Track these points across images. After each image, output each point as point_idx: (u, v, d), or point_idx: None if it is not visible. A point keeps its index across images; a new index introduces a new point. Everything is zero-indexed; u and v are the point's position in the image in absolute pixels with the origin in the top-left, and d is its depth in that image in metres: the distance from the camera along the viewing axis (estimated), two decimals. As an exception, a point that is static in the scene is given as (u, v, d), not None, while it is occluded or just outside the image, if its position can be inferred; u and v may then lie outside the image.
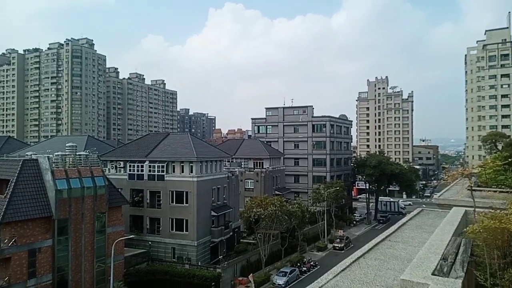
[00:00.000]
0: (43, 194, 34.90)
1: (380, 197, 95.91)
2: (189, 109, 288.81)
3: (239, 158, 76.80)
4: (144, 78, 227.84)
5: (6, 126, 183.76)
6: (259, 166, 74.92)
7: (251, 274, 44.46)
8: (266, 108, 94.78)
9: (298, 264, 52.98)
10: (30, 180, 35.01)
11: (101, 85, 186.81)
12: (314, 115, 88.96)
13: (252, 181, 71.66)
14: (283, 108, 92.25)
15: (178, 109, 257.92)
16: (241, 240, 60.26)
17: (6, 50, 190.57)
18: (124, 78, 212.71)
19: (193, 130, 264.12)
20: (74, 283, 35.68)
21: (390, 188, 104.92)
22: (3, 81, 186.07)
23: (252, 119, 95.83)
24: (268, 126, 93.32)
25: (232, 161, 74.36)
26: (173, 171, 50.79)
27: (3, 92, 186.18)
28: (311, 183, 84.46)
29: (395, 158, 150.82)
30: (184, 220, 49.02)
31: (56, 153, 37.88)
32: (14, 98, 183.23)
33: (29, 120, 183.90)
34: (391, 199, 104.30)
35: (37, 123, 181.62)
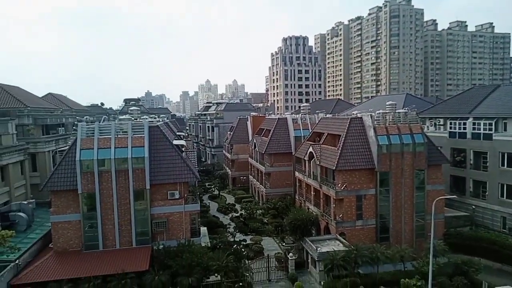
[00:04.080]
0: (366, 148, 38.99)
1: None
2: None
3: None
4: (467, 25, 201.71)
5: (335, 90, 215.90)
6: None
7: None
8: None
9: None
10: (356, 136, 39.92)
11: (418, 41, 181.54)
12: None
13: None
14: None
15: (511, 55, 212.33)
16: None
17: (334, 23, 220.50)
18: (443, 29, 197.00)
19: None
20: (394, 231, 38.38)
21: None
22: (334, 51, 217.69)
23: None
24: None
25: None
26: (504, 130, 43.01)
27: (333, 61, 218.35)
28: None
29: None
30: (519, 188, 41.03)
31: (378, 112, 40.82)
32: (341, 66, 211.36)
33: (353, 83, 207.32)
34: None
35: (359, 85, 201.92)
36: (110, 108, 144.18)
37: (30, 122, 45.85)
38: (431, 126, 52.40)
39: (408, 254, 33.57)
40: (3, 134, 38.72)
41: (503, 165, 42.79)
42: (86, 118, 40.31)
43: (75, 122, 37.54)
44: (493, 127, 43.78)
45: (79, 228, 31.95)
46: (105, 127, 34.02)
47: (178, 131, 64.25)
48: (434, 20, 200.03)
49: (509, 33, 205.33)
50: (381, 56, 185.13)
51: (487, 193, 44.68)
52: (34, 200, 38.41)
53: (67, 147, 35.74)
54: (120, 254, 31.27)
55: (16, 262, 28.16)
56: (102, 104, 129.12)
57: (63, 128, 53.94)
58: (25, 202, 36.26)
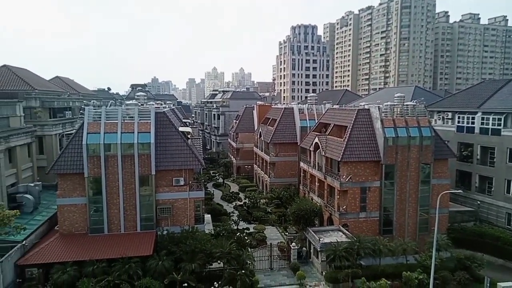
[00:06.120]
0: (373, 141, 38.74)
1: None
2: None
3: None
4: (480, 18, 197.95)
5: (343, 81, 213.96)
6: None
7: None
8: None
9: None
10: (362, 127, 39.63)
11: (429, 33, 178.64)
12: None
13: None
14: None
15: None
16: None
17: (344, 13, 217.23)
18: (454, 22, 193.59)
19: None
20: (398, 224, 38.37)
21: None
22: (343, 41, 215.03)
23: None
24: None
25: None
26: (514, 125, 42.51)
27: (342, 51, 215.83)
28: None
29: None
30: (526, 185, 40.72)
31: (385, 104, 40.39)
32: (349, 56, 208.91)
33: (361, 74, 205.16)
34: None
35: (367, 77, 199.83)
36: (117, 93, 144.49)
37: (37, 105, 45.99)
38: (439, 119, 51.89)
39: (410, 248, 33.61)
40: (11, 116, 38.92)
41: (510, 161, 42.41)
42: (93, 102, 40.27)
43: (82, 106, 37.54)
44: (502, 122, 43.27)
45: (85, 211, 32.28)
46: (112, 111, 34.04)
47: (184, 118, 64.23)
48: (446, 12, 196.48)
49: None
50: (391, 48, 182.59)
51: (493, 189, 44.41)
52: (40, 182, 38.78)
53: (74, 130, 35.86)
54: (125, 239, 31.62)
55: (23, 243, 28.60)
56: (109, 89, 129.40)
57: (70, 111, 54.11)
58: (32, 184, 36.64)
